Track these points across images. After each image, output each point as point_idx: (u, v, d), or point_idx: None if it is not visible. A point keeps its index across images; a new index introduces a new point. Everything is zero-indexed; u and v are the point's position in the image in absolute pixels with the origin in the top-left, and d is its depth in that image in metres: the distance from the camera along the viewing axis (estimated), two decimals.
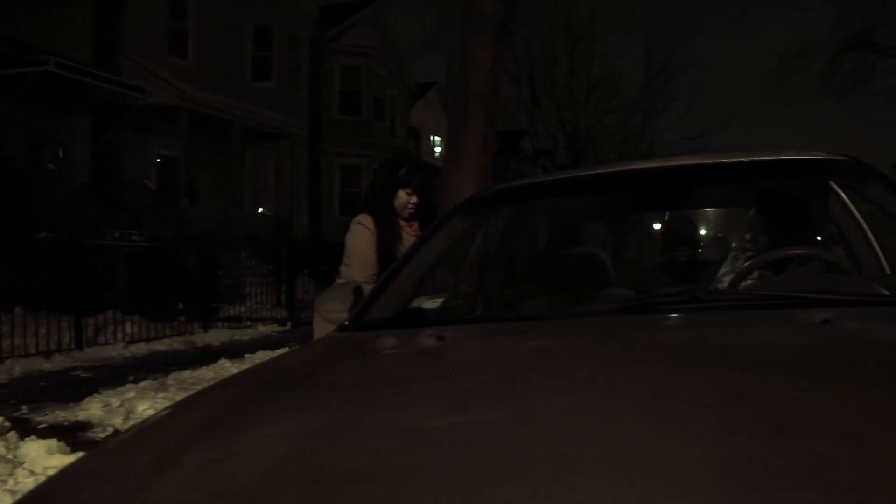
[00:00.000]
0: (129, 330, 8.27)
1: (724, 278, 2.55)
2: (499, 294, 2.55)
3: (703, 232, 3.62)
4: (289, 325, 10.59)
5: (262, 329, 9.96)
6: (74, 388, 5.72)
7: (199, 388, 5.43)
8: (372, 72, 20.56)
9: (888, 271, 2.58)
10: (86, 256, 8.38)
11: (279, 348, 7.49)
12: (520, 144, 30.40)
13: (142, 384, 5.58)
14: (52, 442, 3.57)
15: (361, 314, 1.92)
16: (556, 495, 0.65)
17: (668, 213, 3.49)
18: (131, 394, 5.20)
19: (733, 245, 2.78)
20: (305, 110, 18.60)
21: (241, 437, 0.94)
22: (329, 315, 2.11)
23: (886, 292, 1.71)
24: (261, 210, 18.13)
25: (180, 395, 5.06)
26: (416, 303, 1.87)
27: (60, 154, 11.71)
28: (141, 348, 7.99)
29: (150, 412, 4.71)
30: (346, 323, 1.91)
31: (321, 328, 2.61)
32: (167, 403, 4.85)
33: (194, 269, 10.76)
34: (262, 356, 6.98)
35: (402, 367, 1.26)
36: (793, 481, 0.64)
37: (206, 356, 7.24)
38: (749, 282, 2.34)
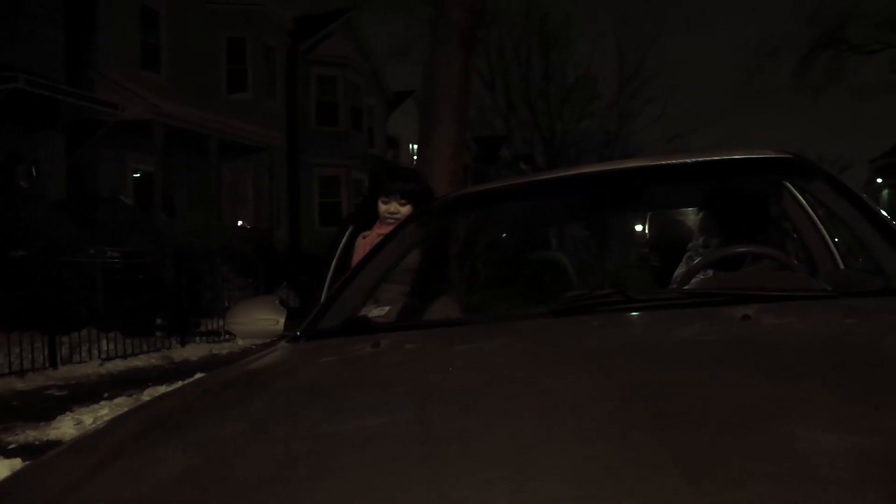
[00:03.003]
0: (105, 347, 8.21)
1: (679, 280, 2.60)
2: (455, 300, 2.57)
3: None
4: (271, 339, 10.54)
5: (241, 343, 9.90)
6: (47, 406, 5.66)
7: None
8: (348, 81, 20.57)
9: (841, 266, 2.63)
10: (61, 273, 8.31)
11: None
12: (499, 151, 30.51)
13: (116, 401, 5.55)
14: (17, 461, 3.54)
15: (312, 325, 1.94)
16: (455, 499, 0.68)
17: (648, 220, 3.54)
18: (105, 411, 5.17)
19: (688, 246, 2.82)
20: (282, 122, 18.57)
21: (164, 447, 0.98)
22: (237, 328, 2.05)
23: (822, 287, 1.76)
24: (240, 223, 18.06)
25: None
26: (364, 311, 1.89)
27: (34, 172, 11.61)
28: (117, 365, 7.92)
29: None
30: (297, 332, 1.94)
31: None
32: None
33: (173, 284, 10.70)
34: None
35: (331, 375, 1.28)
36: (667, 472, 0.66)
37: (184, 371, 7.20)
38: (699, 279, 2.39)
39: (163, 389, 6.01)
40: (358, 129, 21.04)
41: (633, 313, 1.37)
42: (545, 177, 2.40)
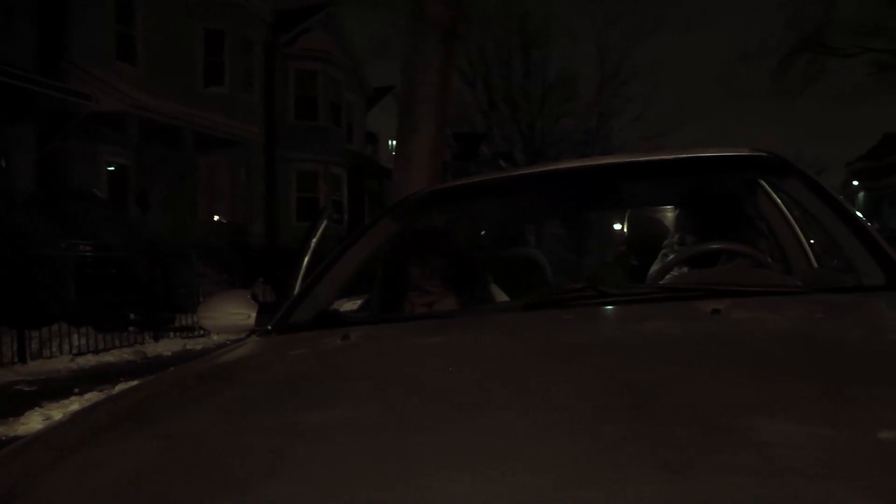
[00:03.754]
0: (76, 342, 8.08)
1: (654, 274, 2.61)
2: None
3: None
4: (243, 335, 10.45)
5: (216, 338, 9.80)
6: (16, 402, 5.56)
7: None
8: (328, 76, 20.45)
9: (815, 265, 2.65)
10: (31, 268, 8.16)
11: None
12: (479, 147, 30.55)
13: (87, 396, 5.46)
14: None
15: (283, 318, 1.92)
16: (414, 488, 0.66)
17: (626, 218, 3.55)
18: (75, 406, 5.08)
19: (664, 244, 2.83)
20: (260, 116, 18.40)
21: (128, 439, 0.98)
22: (208, 322, 2.02)
23: (794, 284, 1.77)
24: (216, 217, 17.89)
25: None
26: (336, 305, 1.87)
27: (2, 164, 11.39)
28: (89, 360, 7.81)
29: None
30: (269, 327, 1.91)
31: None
32: None
33: (146, 279, 10.56)
34: None
35: (299, 367, 1.27)
36: (643, 464, 0.65)
37: (157, 367, 7.11)
38: (673, 275, 2.40)
39: (133, 384, 5.92)
40: (337, 125, 20.93)
41: (605, 307, 1.37)
42: (521, 172, 2.39)
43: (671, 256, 2.60)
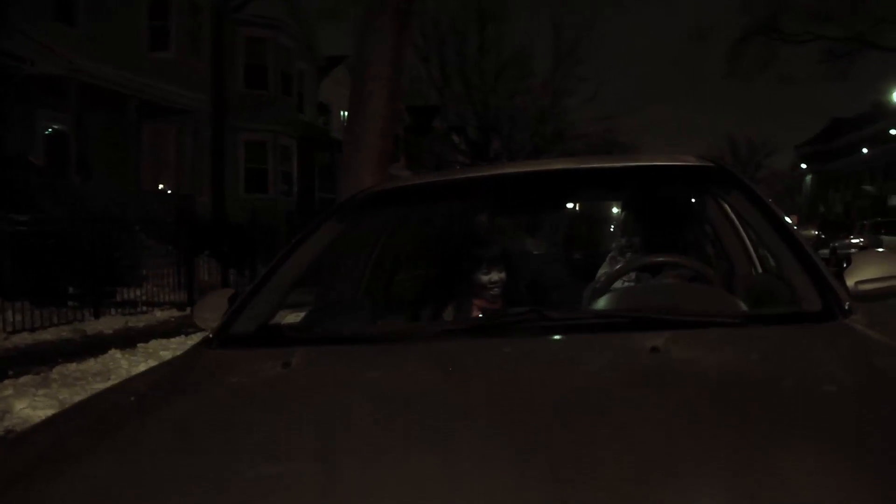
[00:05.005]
0: (11, 318, 7.79)
1: (601, 280, 2.63)
2: (372, 303, 2.54)
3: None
4: (188, 310, 10.24)
5: (160, 315, 9.61)
6: None
7: (83, 382, 5.18)
8: (279, 44, 19.97)
9: (759, 269, 2.71)
10: None
11: (174, 336, 7.26)
12: (432, 121, 30.32)
13: (22, 380, 5.28)
14: None
15: (225, 327, 1.87)
16: None
17: (568, 213, 3.56)
18: (9, 391, 4.91)
19: (612, 246, 2.86)
20: (208, 84, 17.87)
21: (46, 486, 0.99)
22: (206, 325, 2.07)
23: (733, 306, 1.80)
24: (161, 187, 17.42)
25: (63, 393, 4.82)
26: (279, 316, 1.83)
27: None
28: (24, 339, 7.54)
29: (29, 411, 4.47)
30: (210, 336, 1.87)
31: None
32: (48, 402, 4.61)
33: (87, 251, 10.22)
34: (156, 346, 6.75)
35: (236, 404, 1.24)
36: None
37: (97, 346, 6.92)
38: (624, 284, 2.43)
39: (73, 367, 5.76)
40: (287, 95, 20.51)
41: (547, 337, 1.38)
42: (469, 175, 2.38)
43: (619, 260, 2.64)
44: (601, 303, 1.96)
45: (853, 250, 20.23)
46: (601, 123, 27.47)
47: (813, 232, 24.66)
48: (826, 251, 22.46)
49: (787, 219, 1.92)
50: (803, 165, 55.25)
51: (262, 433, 1.07)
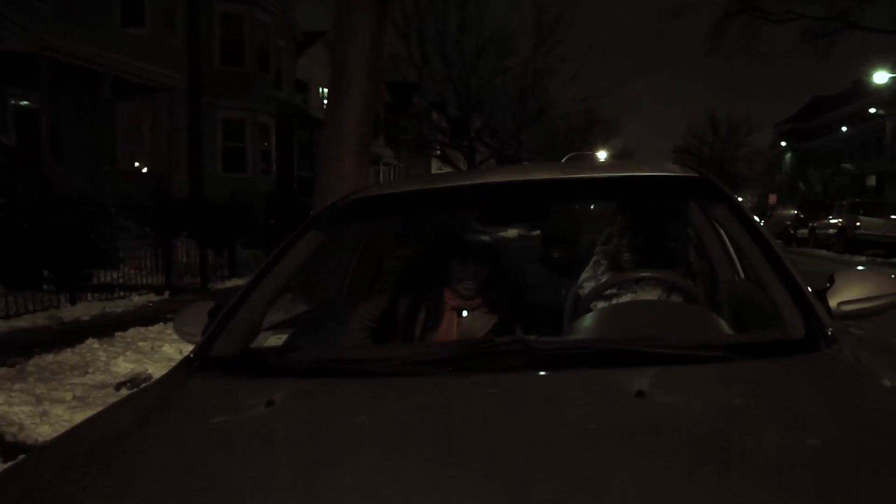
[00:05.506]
0: None
1: (586, 284, 2.63)
2: (353, 308, 2.52)
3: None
4: (166, 294, 10.14)
5: (137, 300, 9.49)
6: None
7: (61, 376, 5.11)
8: (255, 20, 19.61)
9: (741, 275, 2.71)
10: None
11: (153, 324, 7.17)
12: (411, 98, 30.04)
13: None
14: None
15: (206, 347, 1.83)
16: None
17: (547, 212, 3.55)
18: None
19: (596, 249, 2.84)
20: (183, 61, 17.54)
21: None
22: (187, 338, 2.04)
23: (720, 330, 1.80)
24: (136, 164, 17.15)
25: (40, 388, 4.75)
26: (262, 337, 1.79)
27: None
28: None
29: (6, 408, 4.40)
30: (192, 355, 1.83)
31: None
32: (25, 398, 4.54)
33: (62, 234, 10.05)
34: (134, 334, 6.66)
35: (216, 451, 1.21)
36: None
37: (74, 334, 6.81)
38: (607, 292, 2.42)
39: (50, 359, 5.67)
40: (265, 72, 20.20)
41: (532, 375, 1.37)
42: (452, 184, 2.34)
43: (603, 264, 2.64)
44: (586, 322, 1.95)
45: (832, 231, 20.53)
46: (583, 103, 27.40)
47: (792, 211, 24.91)
48: (805, 231, 22.72)
49: (767, 234, 1.91)
50: (783, 143, 55.62)
51: (245, 484, 1.06)
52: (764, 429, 1.13)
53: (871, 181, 33.60)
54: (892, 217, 19.02)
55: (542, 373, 1.39)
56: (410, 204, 2.34)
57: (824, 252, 19.80)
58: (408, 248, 3.14)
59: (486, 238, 2.53)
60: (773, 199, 44.83)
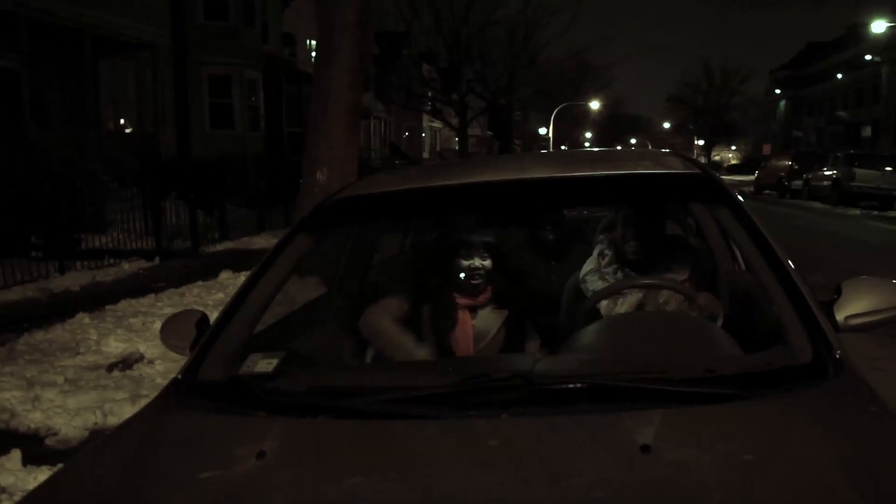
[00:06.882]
0: None
1: (589, 278, 2.58)
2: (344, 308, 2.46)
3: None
4: (157, 260, 10.04)
5: (127, 267, 9.39)
6: None
7: (52, 357, 5.04)
8: None
9: (742, 265, 2.66)
10: None
11: (144, 296, 7.11)
12: (401, 48, 29.47)
13: None
14: None
15: (193, 369, 1.77)
16: None
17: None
18: None
19: (598, 238, 2.77)
20: (166, 16, 17.04)
21: None
22: (175, 350, 2.01)
23: (727, 351, 1.75)
24: (122, 121, 16.85)
25: (31, 370, 4.69)
26: (250, 361, 1.72)
27: None
28: None
29: None
30: (179, 377, 1.77)
31: None
32: (16, 383, 4.48)
33: (49, 199, 9.88)
34: (125, 307, 6.60)
35: None
36: None
37: (64, 307, 6.75)
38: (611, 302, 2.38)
39: (40, 336, 5.61)
40: (251, 25, 19.72)
41: (532, 419, 1.33)
42: (446, 183, 2.24)
43: (607, 256, 2.58)
44: (588, 338, 1.90)
45: (826, 182, 20.44)
46: (574, 58, 26.96)
47: (786, 162, 24.79)
48: (799, 182, 22.64)
49: (764, 233, 1.86)
50: (778, 91, 55.13)
51: None
52: (776, 494, 1.10)
53: (867, 131, 33.37)
54: (888, 169, 18.95)
55: (542, 417, 1.34)
56: (401, 205, 2.25)
57: (818, 205, 19.78)
58: (405, 245, 3.07)
59: (485, 231, 2.49)
60: (766, 149, 44.61)
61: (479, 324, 2.34)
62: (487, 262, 2.33)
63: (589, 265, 2.65)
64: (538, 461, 1.21)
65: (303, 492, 1.21)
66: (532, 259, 3.28)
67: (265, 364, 1.71)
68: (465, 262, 2.32)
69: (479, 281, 2.32)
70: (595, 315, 2.33)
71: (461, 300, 2.35)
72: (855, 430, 1.28)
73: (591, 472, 1.17)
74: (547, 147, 39.92)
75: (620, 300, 2.42)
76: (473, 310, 2.37)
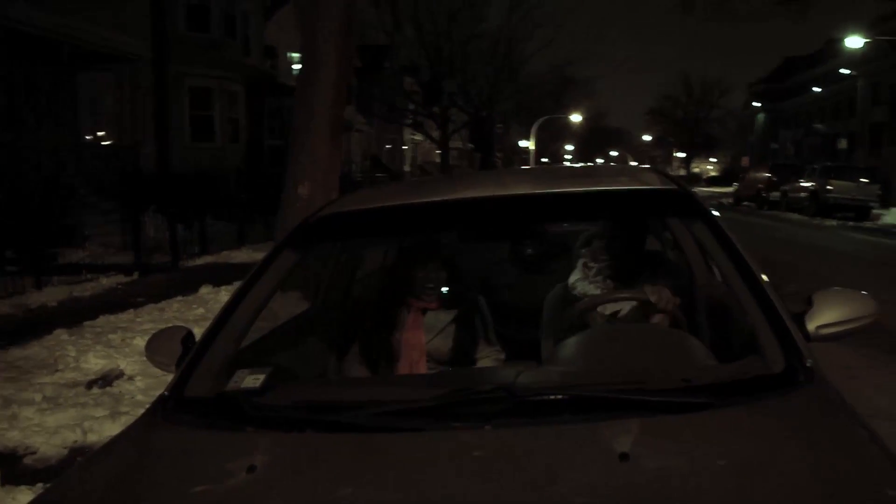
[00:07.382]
0: None
1: (577, 285, 2.63)
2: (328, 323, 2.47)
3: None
4: (136, 275, 9.91)
5: (106, 282, 9.26)
6: None
7: (29, 375, 4.95)
8: None
9: (719, 278, 2.68)
10: None
11: (123, 311, 7.02)
12: (383, 61, 29.55)
13: None
14: None
15: (180, 386, 1.76)
16: None
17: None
18: None
19: (581, 252, 2.81)
20: (147, 27, 16.96)
21: None
22: (160, 367, 1.98)
23: (702, 361, 1.77)
24: (101, 133, 16.70)
25: (7, 389, 4.60)
26: (237, 377, 1.71)
27: None
28: None
29: None
30: (166, 393, 1.75)
31: None
32: None
33: (25, 212, 9.75)
34: (104, 323, 6.50)
35: None
36: None
37: (41, 324, 6.63)
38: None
39: (17, 354, 5.51)
40: (232, 37, 19.67)
41: (515, 430, 1.36)
42: (428, 200, 2.27)
43: (593, 267, 2.62)
44: (568, 350, 1.93)
45: (803, 194, 20.77)
46: (557, 69, 27.19)
47: (765, 174, 25.16)
48: (777, 194, 22.98)
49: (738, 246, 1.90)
50: (756, 104, 55.96)
51: None
52: (748, 498, 1.14)
53: (843, 143, 33.89)
54: (862, 181, 19.29)
55: (525, 428, 1.38)
56: (385, 222, 2.26)
57: (796, 216, 20.07)
58: (375, 262, 3.10)
59: (443, 245, 2.69)
60: (745, 161, 45.15)
61: (429, 320, 2.58)
62: (443, 274, 2.58)
63: (575, 275, 2.71)
64: (521, 470, 1.24)
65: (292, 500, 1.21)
66: (513, 272, 3.33)
67: (252, 380, 1.70)
68: (421, 274, 2.56)
69: (433, 287, 2.57)
70: (583, 318, 2.41)
71: (416, 303, 2.58)
72: (824, 435, 1.33)
73: (572, 480, 1.20)
74: (528, 160, 40.14)
75: (600, 310, 2.50)
76: (426, 312, 2.59)
